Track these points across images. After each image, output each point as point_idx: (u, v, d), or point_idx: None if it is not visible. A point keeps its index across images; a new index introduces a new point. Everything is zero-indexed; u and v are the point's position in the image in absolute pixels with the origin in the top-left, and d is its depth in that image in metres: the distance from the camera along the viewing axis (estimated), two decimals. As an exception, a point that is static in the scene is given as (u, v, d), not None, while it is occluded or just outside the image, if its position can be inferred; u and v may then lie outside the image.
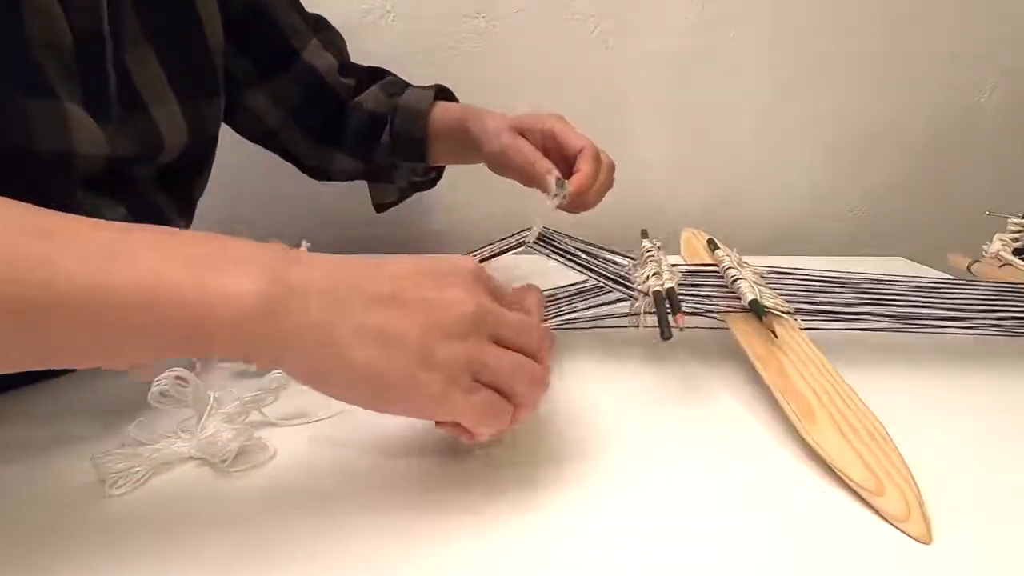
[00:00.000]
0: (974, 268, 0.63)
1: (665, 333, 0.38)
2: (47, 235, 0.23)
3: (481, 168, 0.68)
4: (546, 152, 0.52)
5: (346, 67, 0.64)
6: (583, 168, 0.50)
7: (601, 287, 0.46)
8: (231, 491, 0.30)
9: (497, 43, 0.82)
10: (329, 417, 0.36)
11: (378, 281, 0.28)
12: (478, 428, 0.29)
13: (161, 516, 0.28)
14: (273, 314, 0.25)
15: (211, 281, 0.24)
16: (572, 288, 0.48)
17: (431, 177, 0.68)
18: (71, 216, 0.24)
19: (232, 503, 0.29)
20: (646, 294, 0.43)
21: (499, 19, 0.82)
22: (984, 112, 0.88)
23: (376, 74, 0.67)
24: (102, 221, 0.25)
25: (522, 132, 0.54)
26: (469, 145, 0.58)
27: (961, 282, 0.50)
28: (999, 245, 0.62)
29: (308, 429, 0.36)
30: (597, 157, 0.52)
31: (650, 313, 0.43)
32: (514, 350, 0.29)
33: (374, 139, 0.63)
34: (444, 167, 0.69)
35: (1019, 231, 0.62)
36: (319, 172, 0.67)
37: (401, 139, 0.62)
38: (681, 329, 0.39)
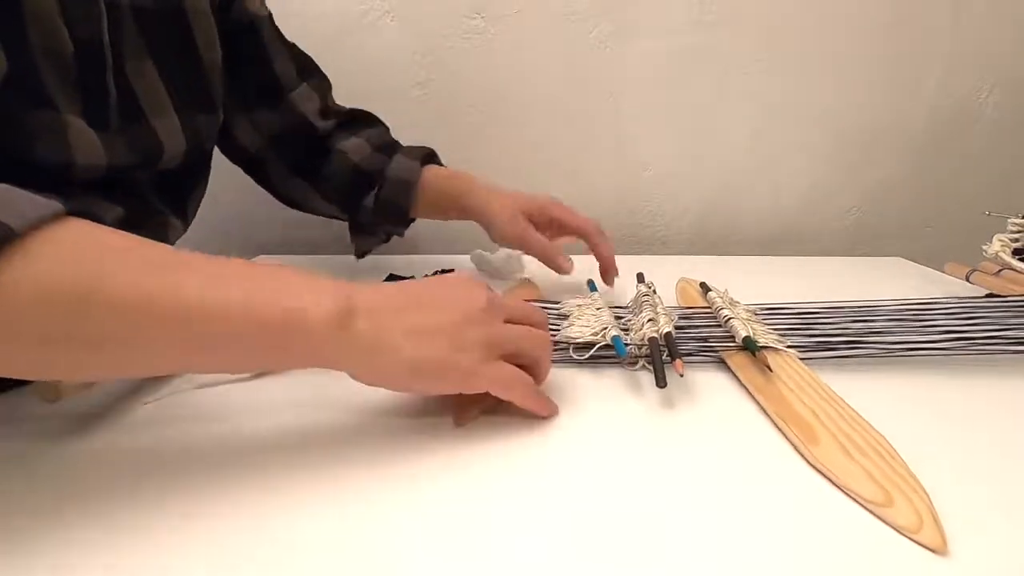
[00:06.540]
0: (972, 277, 0.63)
1: (660, 382, 0.39)
2: (176, 268, 0.29)
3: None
4: (551, 232, 0.62)
5: (327, 110, 0.66)
6: (601, 251, 0.60)
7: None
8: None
9: (496, 43, 0.82)
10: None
11: (409, 295, 0.35)
12: (506, 395, 0.36)
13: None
14: (341, 329, 0.31)
15: (292, 306, 0.30)
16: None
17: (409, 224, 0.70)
18: (192, 254, 0.30)
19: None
20: (642, 344, 0.44)
21: (498, 19, 0.82)
22: (983, 112, 0.88)
23: (357, 117, 0.68)
24: (212, 258, 0.31)
25: (530, 218, 0.61)
26: (461, 214, 0.65)
27: (954, 300, 0.50)
28: (998, 246, 0.62)
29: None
30: (601, 234, 0.61)
31: (647, 357, 0.44)
32: (521, 324, 0.38)
33: (357, 195, 0.65)
34: None
35: (1019, 231, 0.62)
36: (292, 202, 0.69)
37: (388, 207, 0.65)
38: (681, 375, 0.39)
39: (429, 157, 0.67)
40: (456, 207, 0.64)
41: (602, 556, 0.26)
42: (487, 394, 0.35)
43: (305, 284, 0.31)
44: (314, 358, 0.32)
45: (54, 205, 0.27)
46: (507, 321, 0.37)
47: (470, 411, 0.37)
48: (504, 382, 0.35)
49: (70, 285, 0.26)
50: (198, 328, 0.28)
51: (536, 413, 0.37)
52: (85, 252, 0.27)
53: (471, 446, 0.35)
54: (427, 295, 0.35)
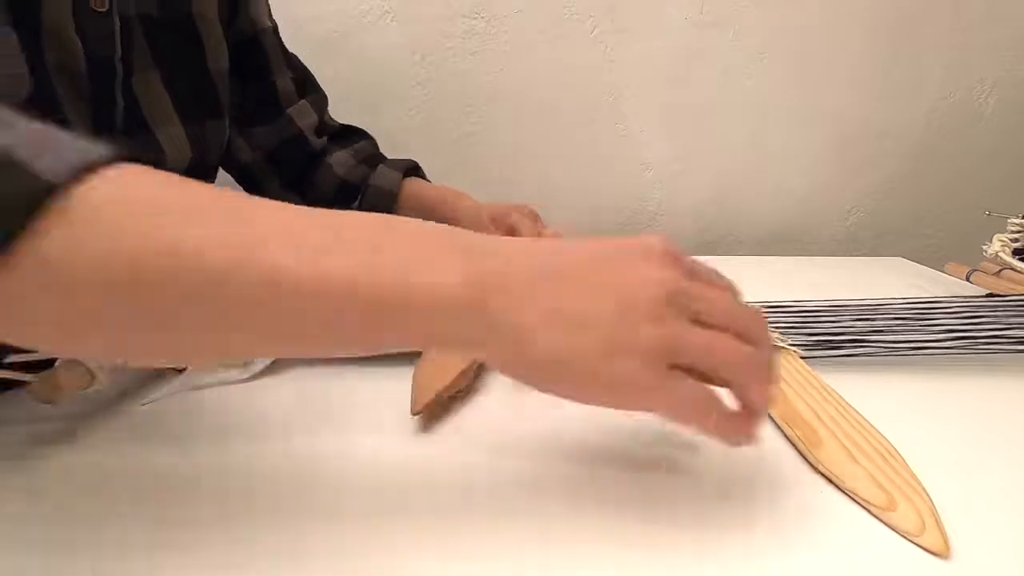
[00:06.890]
0: (973, 277, 0.63)
1: None
2: (263, 228, 0.24)
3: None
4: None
5: (322, 126, 0.66)
6: None
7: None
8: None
9: (496, 43, 0.82)
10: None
11: (558, 259, 0.26)
12: (683, 422, 0.26)
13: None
14: (471, 305, 0.24)
15: (415, 275, 0.24)
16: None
17: None
18: (283, 206, 0.25)
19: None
20: None
21: (498, 19, 0.82)
22: (984, 112, 0.88)
23: (348, 132, 0.69)
24: (304, 212, 0.25)
25: (492, 222, 0.61)
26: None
27: (956, 300, 0.50)
28: (999, 246, 0.62)
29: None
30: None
31: None
32: (721, 331, 0.26)
33: (340, 208, 0.65)
34: None
35: (1019, 231, 0.62)
36: None
37: None
38: None
39: (412, 170, 0.67)
40: (434, 219, 0.64)
41: (599, 557, 0.26)
42: (449, 371, 0.29)
43: (427, 248, 0.25)
44: (433, 340, 0.25)
45: (100, 149, 0.23)
46: (702, 322, 0.26)
47: (426, 395, 0.32)
48: (690, 408, 0.26)
49: (125, 255, 0.22)
50: (290, 307, 0.23)
51: (733, 444, 0.27)
52: (143, 212, 0.22)
53: (468, 446, 0.35)
54: (585, 263, 0.26)
